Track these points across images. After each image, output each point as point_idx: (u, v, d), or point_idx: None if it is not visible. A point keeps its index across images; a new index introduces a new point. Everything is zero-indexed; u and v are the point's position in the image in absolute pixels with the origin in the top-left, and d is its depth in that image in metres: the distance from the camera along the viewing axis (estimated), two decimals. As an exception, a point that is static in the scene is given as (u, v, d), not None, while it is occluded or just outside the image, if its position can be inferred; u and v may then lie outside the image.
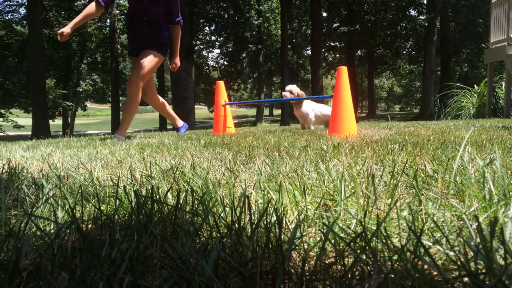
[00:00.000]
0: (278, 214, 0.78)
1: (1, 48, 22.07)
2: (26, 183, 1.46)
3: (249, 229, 0.78)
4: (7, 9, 24.38)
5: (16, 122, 22.67)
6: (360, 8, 23.89)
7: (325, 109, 5.31)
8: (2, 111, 23.26)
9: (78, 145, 3.64)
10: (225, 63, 34.32)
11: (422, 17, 24.86)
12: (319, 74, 18.68)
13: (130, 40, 4.67)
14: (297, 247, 0.78)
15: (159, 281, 0.64)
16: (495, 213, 0.90)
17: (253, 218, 0.89)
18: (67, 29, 4.15)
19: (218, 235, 0.78)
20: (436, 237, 0.79)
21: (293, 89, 4.95)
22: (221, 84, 5.13)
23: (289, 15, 24.18)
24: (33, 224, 0.91)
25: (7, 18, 24.24)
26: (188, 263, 0.66)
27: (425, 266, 0.64)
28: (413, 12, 26.18)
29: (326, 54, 30.72)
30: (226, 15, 27.15)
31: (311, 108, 5.22)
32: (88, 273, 0.63)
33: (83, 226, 0.96)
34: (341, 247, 0.74)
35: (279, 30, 27.28)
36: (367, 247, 0.68)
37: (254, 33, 29.02)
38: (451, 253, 0.70)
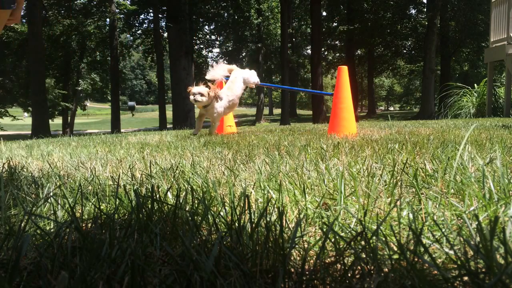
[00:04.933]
0: (279, 212, 0.78)
1: (1, 47, 22.07)
2: (26, 182, 1.46)
3: (249, 228, 0.78)
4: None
5: (15, 117, 22.85)
6: (359, 7, 23.86)
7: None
8: (2, 110, 23.30)
9: (78, 144, 3.64)
10: (225, 62, 34.31)
11: (422, 16, 24.82)
12: (319, 73, 18.66)
13: None
14: (297, 246, 0.78)
15: (159, 279, 0.64)
16: (495, 212, 0.90)
17: (253, 217, 0.89)
18: None
19: (218, 234, 0.78)
20: (436, 236, 0.79)
21: (202, 91, 3.96)
22: (222, 82, 5.12)
23: (289, 14, 24.15)
24: (33, 223, 0.91)
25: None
26: (188, 259, 0.66)
27: (425, 265, 0.64)
28: (413, 11, 26.16)
29: (326, 53, 30.70)
30: (225, 14, 27.13)
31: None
32: (88, 272, 0.63)
33: (83, 225, 0.96)
34: (341, 246, 0.74)
35: (278, 29, 27.26)
36: (367, 246, 0.68)
37: (254, 32, 29.00)
38: (451, 252, 0.70)
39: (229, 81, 4.36)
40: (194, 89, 4.03)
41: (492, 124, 4.09)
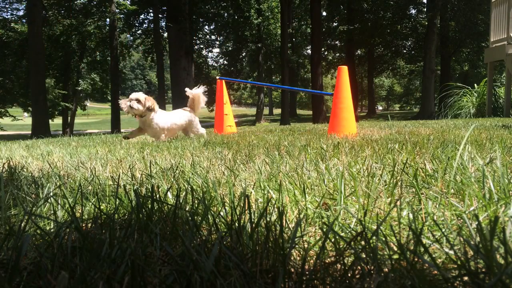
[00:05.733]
0: (279, 212, 0.78)
1: (1, 47, 22.10)
2: (26, 182, 1.46)
3: (249, 228, 0.78)
4: (7, 7, 24.43)
5: (15, 117, 22.95)
6: (359, 7, 23.87)
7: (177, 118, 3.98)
8: (2, 110, 23.35)
9: (78, 144, 3.64)
10: (225, 62, 34.33)
11: (422, 16, 24.84)
12: (319, 73, 18.67)
13: None
14: (297, 246, 0.78)
15: (159, 279, 0.64)
16: (495, 212, 0.90)
17: (253, 217, 0.89)
18: None
19: (218, 234, 0.78)
20: (436, 236, 0.79)
21: (140, 97, 3.56)
22: (222, 82, 5.13)
23: (288, 14, 24.16)
24: (33, 223, 0.91)
25: (6, 16, 24.26)
26: (188, 259, 0.66)
27: (425, 265, 0.64)
28: (413, 11, 26.18)
29: (326, 53, 30.71)
30: (225, 14, 27.14)
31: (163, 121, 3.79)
32: (88, 272, 0.63)
33: (83, 225, 0.96)
34: (341, 246, 0.74)
35: (278, 29, 27.26)
36: (367, 246, 0.68)
37: (254, 32, 29.01)
38: (451, 252, 0.70)
39: (176, 111, 4.08)
40: (132, 94, 3.59)
41: (492, 124, 4.09)
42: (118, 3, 22.75)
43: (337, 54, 31.24)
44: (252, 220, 0.80)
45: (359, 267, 0.65)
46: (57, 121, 27.13)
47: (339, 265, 0.68)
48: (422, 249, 0.67)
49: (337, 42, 29.67)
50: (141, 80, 79.38)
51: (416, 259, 0.63)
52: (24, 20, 23.41)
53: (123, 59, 28.24)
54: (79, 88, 26.30)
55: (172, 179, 1.43)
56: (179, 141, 3.34)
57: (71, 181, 1.48)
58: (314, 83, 18.30)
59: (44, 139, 5.48)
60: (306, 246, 0.81)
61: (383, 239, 0.75)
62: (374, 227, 0.86)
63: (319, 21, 19.33)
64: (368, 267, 0.64)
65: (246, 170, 1.61)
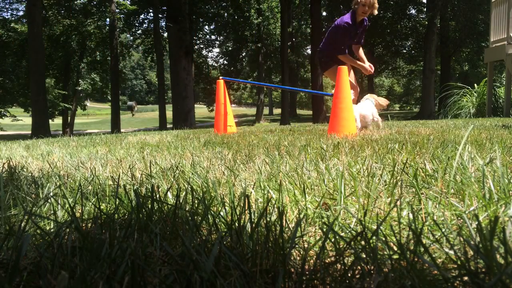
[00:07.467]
0: (279, 212, 0.78)
1: (1, 47, 22.09)
2: (26, 182, 1.46)
3: (249, 228, 0.78)
4: (7, 7, 24.44)
5: (15, 117, 22.94)
6: (359, 7, 23.85)
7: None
8: (1, 110, 23.34)
9: (78, 144, 3.64)
10: (225, 62, 34.35)
11: (422, 16, 24.84)
12: (319, 73, 18.66)
13: None
14: (297, 246, 0.78)
15: (159, 279, 0.64)
16: (495, 212, 0.90)
17: (253, 217, 0.89)
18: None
19: (218, 234, 0.78)
20: (436, 236, 0.79)
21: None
22: (222, 82, 5.13)
23: (289, 14, 24.16)
24: (33, 223, 0.91)
25: (6, 17, 24.27)
26: (188, 259, 0.66)
27: (425, 265, 0.64)
28: (413, 11, 26.18)
29: (326, 53, 30.69)
30: (225, 14, 27.14)
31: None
32: (88, 272, 0.63)
33: (83, 225, 0.96)
34: (341, 246, 0.74)
35: (278, 29, 27.26)
36: (367, 246, 0.68)
37: (254, 32, 29.01)
38: (451, 252, 0.70)
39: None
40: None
41: (492, 124, 4.09)
42: (118, 3, 22.74)
43: (337, 54, 31.14)
44: (252, 220, 0.80)
45: (359, 267, 0.65)
46: (57, 121, 27.09)
47: (339, 265, 0.68)
48: (422, 249, 0.67)
49: (337, 42, 29.60)
50: (141, 80, 79.36)
51: (416, 259, 0.63)
52: (24, 20, 23.40)
53: (123, 59, 28.22)
54: (79, 88, 26.27)
55: (172, 179, 1.43)
56: (179, 141, 3.34)
57: (71, 181, 1.48)
58: (314, 83, 18.28)
59: (44, 139, 5.48)
60: (306, 246, 0.81)
61: (383, 239, 0.75)
62: (374, 227, 0.86)
63: (319, 21, 19.32)
64: (368, 267, 0.64)
65: (246, 170, 1.61)
